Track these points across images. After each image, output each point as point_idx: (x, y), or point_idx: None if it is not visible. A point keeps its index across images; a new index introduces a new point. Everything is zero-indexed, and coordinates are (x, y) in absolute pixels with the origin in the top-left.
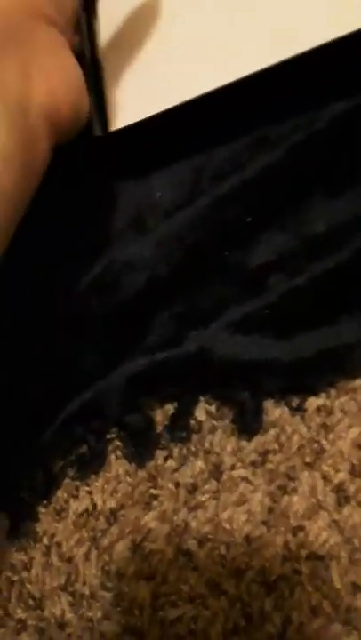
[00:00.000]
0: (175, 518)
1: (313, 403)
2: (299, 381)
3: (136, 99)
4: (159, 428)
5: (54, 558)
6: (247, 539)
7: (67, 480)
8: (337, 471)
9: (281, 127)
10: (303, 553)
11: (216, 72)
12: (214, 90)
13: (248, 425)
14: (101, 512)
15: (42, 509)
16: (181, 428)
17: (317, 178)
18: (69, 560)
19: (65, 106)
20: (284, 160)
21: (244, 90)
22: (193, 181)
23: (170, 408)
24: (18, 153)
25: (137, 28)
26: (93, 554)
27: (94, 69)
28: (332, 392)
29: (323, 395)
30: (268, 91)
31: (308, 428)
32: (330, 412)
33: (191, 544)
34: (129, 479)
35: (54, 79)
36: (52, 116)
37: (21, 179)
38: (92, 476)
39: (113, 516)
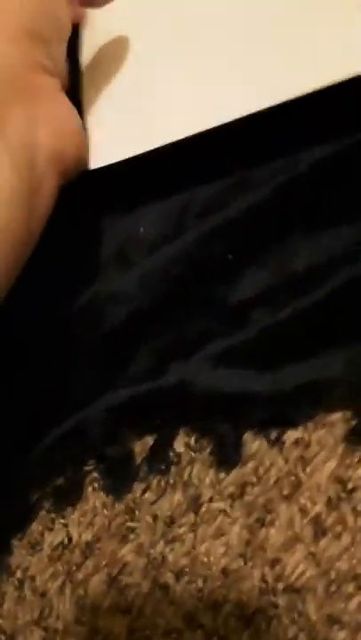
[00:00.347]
0: (152, 551)
1: (291, 436)
2: (279, 414)
3: (123, 136)
4: (138, 460)
5: (27, 592)
6: (224, 572)
7: (42, 512)
8: (314, 504)
9: (263, 169)
10: (280, 586)
11: (201, 115)
12: (198, 133)
13: (228, 457)
14: (77, 545)
15: (16, 542)
16: (160, 459)
17: (299, 218)
18: (43, 594)
19: (68, 148)
20: (267, 201)
21: (228, 133)
22: (177, 218)
23: (149, 440)
24: (25, 196)
25: (121, 69)
26: (68, 588)
27: (78, 107)
28: (310, 425)
29: (301, 428)
30: (251, 134)
31: (286, 460)
32: (307, 445)
33: (168, 577)
34: (106, 512)
35: (57, 124)
36: (57, 158)
37: (28, 221)
38: (69, 509)
39: (89, 549)
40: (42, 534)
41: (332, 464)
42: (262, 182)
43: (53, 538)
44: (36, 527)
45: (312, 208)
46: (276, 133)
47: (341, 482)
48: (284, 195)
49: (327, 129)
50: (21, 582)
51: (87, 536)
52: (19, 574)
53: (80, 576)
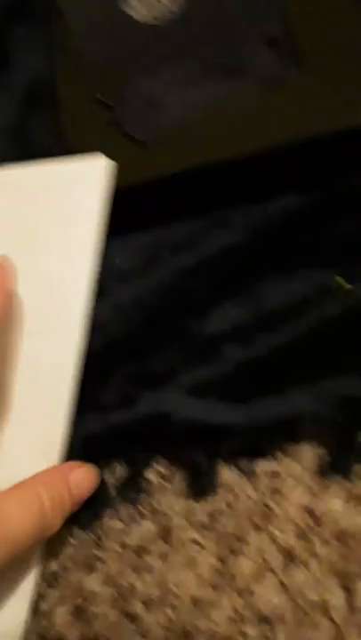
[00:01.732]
0: (120, 581)
1: (262, 466)
2: (252, 446)
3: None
4: (108, 488)
5: None
6: (195, 601)
7: None
8: (284, 533)
9: (238, 212)
10: (251, 615)
11: None
12: (175, 173)
13: (203, 487)
14: (42, 575)
15: None
16: (131, 488)
17: (272, 259)
18: None
19: None
20: (241, 241)
21: (206, 175)
22: (153, 251)
23: (119, 468)
24: None
25: None
26: (32, 619)
27: (61, 139)
28: (281, 456)
29: (272, 459)
30: (228, 179)
31: (257, 490)
32: (278, 476)
33: (137, 607)
34: (73, 540)
35: None
36: None
37: None
38: None
39: (54, 578)
40: None
41: (302, 494)
42: (237, 224)
43: None
44: None
45: (285, 251)
46: (252, 179)
47: (311, 512)
48: (257, 237)
49: (296, 180)
50: None
51: (52, 566)
52: None
53: (45, 607)
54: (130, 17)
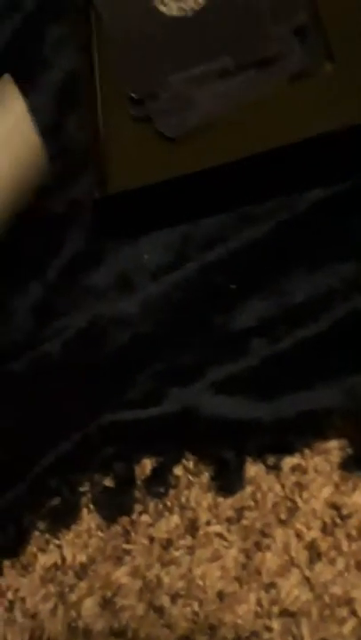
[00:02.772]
0: (148, 574)
1: (288, 462)
2: (279, 441)
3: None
4: (137, 483)
5: (18, 614)
6: (220, 595)
7: (36, 533)
8: (309, 529)
9: (264, 206)
10: (275, 609)
11: None
12: (205, 168)
13: (231, 483)
14: (70, 566)
15: (7, 563)
16: (159, 483)
17: (299, 253)
18: (34, 616)
19: None
20: (268, 236)
21: (232, 170)
22: (181, 247)
23: (147, 463)
24: None
25: None
26: (60, 610)
27: (94, 135)
28: (307, 452)
29: (298, 454)
30: (253, 173)
31: (283, 486)
32: (304, 472)
33: (163, 600)
34: (101, 533)
35: None
36: None
37: None
38: (63, 530)
39: (83, 570)
40: (35, 556)
41: (327, 490)
42: (263, 218)
43: (47, 559)
44: (29, 548)
45: (311, 244)
46: (277, 174)
47: (337, 508)
48: (284, 231)
49: (322, 174)
50: (12, 603)
51: (81, 557)
52: (9, 595)
53: (73, 598)
54: (162, 14)
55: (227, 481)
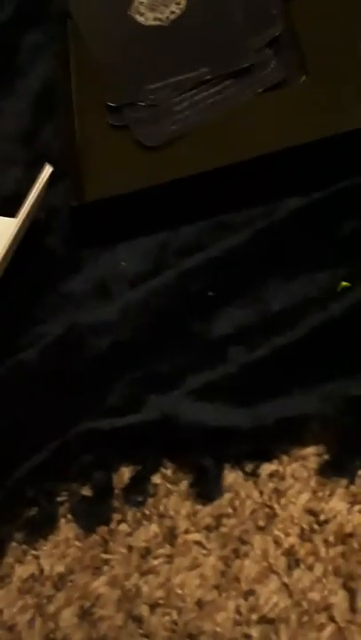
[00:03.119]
0: (126, 583)
1: (266, 469)
2: (257, 448)
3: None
4: (115, 492)
5: None
6: (199, 603)
7: (13, 544)
8: (288, 535)
9: (242, 215)
10: (254, 617)
11: None
12: (182, 177)
13: (209, 490)
14: (48, 577)
15: None
16: (138, 491)
17: (276, 262)
18: (11, 628)
19: None
20: (246, 244)
21: (207, 180)
22: (159, 255)
23: (125, 472)
24: None
25: None
26: (38, 621)
27: (71, 142)
28: (285, 458)
29: (275, 461)
30: (230, 183)
31: (261, 493)
32: (282, 478)
33: (142, 609)
34: (79, 543)
35: None
36: None
37: None
38: (41, 540)
39: (61, 581)
40: (12, 567)
41: (305, 496)
42: (241, 226)
43: (24, 570)
44: (6, 560)
45: (289, 252)
46: (254, 183)
47: (314, 514)
48: (262, 239)
49: (299, 183)
50: None
51: (59, 568)
52: None
53: (51, 609)
54: (139, 23)
55: (205, 488)
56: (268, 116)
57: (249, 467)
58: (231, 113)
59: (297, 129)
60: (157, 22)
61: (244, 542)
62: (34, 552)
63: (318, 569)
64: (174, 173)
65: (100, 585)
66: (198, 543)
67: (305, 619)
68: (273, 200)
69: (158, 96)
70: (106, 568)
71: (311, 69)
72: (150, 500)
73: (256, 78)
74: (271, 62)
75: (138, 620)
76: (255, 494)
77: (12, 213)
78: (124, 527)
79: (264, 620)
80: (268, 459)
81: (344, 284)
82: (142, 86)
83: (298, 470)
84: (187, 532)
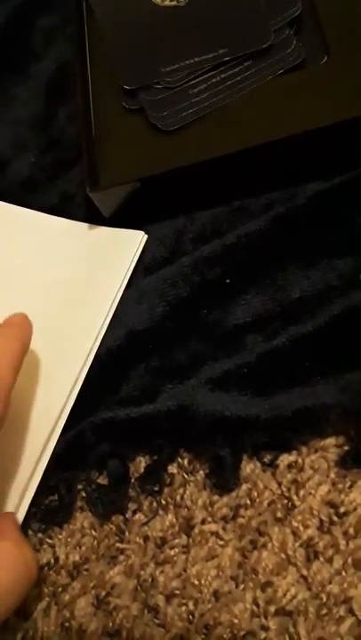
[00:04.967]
0: (142, 573)
1: (285, 459)
2: (276, 438)
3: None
4: (131, 481)
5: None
6: (216, 594)
7: (29, 533)
8: (306, 527)
9: (260, 199)
10: (272, 609)
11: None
12: (199, 161)
13: (226, 480)
14: (63, 566)
15: None
16: (154, 481)
17: (295, 248)
18: (26, 616)
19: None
20: (264, 230)
21: (227, 162)
22: (174, 241)
23: (141, 461)
24: None
25: None
26: (53, 609)
27: (87, 130)
28: (304, 449)
29: (294, 452)
30: (250, 165)
31: (280, 484)
32: (301, 469)
33: (158, 599)
34: (94, 532)
35: None
36: None
37: None
38: (56, 529)
39: (76, 570)
40: None
41: (325, 488)
42: (259, 212)
43: (39, 559)
44: None
45: (308, 238)
46: (273, 167)
47: (334, 506)
48: (281, 225)
49: (320, 167)
50: None
51: (74, 557)
52: None
53: (66, 597)
54: (155, 4)
55: (222, 479)
56: (287, 99)
57: (267, 457)
58: (250, 95)
59: (317, 111)
60: (174, 3)
61: (261, 534)
62: (49, 541)
63: (337, 561)
64: (191, 158)
65: (115, 574)
66: (215, 534)
67: (324, 611)
68: (292, 185)
69: (174, 78)
70: (121, 557)
71: (333, 50)
72: (166, 490)
73: (276, 59)
74: (291, 43)
75: (154, 610)
76: (273, 485)
77: (25, 199)
78: (139, 517)
79: (282, 612)
80: (287, 449)
81: None
82: (158, 68)
83: (317, 461)
84: (203, 522)
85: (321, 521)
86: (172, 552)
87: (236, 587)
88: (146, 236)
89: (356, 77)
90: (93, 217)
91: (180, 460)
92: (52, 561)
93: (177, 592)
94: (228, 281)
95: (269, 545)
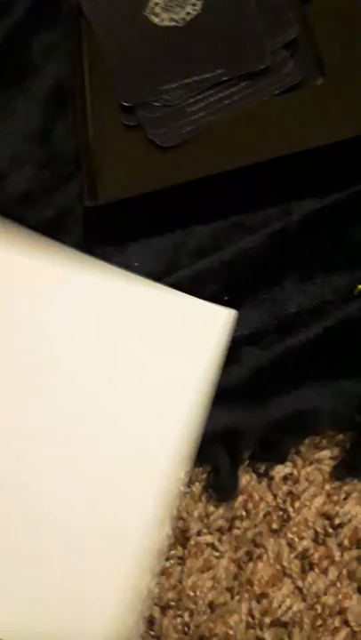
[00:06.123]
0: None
1: (280, 471)
2: (270, 448)
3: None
4: None
5: None
6: (211, 606)
7: None
8: (301, 539)
9: (257, 216)
10: (267, 620)
11: None
12: (196, 179)
13: (225, 491)
14: None
15: None
16: None
17: (292, 263)
18: None
19: None
20: (261, 245)
21: (222, 181)
22: (172, 256)
23: None
24: None
25: None
26: None
27: (84, 142)
28: (299, 461)
29: (289, 464)
30: (247, 182)
31: (275, 495)
32: (296, 481)
33: (154, 611)
34: None
35: None
36: None
37: None
38: None
39: None
40: None
41: (320, 500)
42: (256, 228)
43: None
44: None
45: (305, 254)
46: (269, 184)
47: (329, 517)
48: (278, 240)
49: (315, 185)
50: None
51: None
52: None
53: None
54: (153, 24)
55: (219, 491)
56: (284, 118)
57: (262, 469)
58: (247, 114)
59: (314, 131)
60: (173, 23)
61: (257, 545)
62: None
63: (333, 573)
64: (189, 174)
65: None
66: (211, 545)
67: (319, 622)
68: (289, 201)
69: (173, 96)
70: None
71: (328, 71)
72: None
73: (273, 80)
74: (288, 64)
75: (149, 622)
76: (269, 497)
77: (23, 213)
78: None
79: (277, 623)
80: (282, 458)
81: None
82: (156, 86)
83: (312, 473)
84: (199, 533)
85: (316, 532)
86: (167, 563)
87: (232, 598)
88: (235, 313)
89: (351, 98)
90: (91, 232)
91: None
92: None
93: (172, 603)
94: (226, 298)
95: (265, 556)
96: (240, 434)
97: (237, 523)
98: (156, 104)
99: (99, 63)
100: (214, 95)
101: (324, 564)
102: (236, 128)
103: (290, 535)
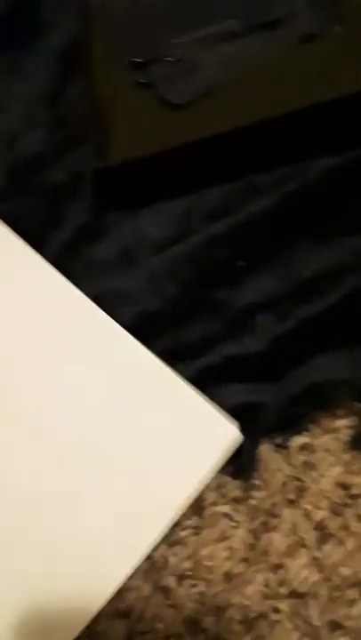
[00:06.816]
0: (154, 554)
1: (296, 441)
2: (287, 416)
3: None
4: None
5: None
6: (227, 576)
7: None
8: (318, 509)
9: (271, 176)
10: (283, 591)
11: None
12: (209, 136)
13: (244, 468)
14: None
15: None
16: None
17: (306, 226)
18: None
19: None
20: (275, 207)
21: (237, 138)
22: (184, 220)
23: None
24: None
25: None
26: None
27: (94, 102)
28: (316, 431)
29: (306, 433)
30: (260, 141)
31: (291, 465)
32: (313, 451)
33: (170, 580)
34: None
35: None
36: None
37: None
38: None
39: None
40: None
41: (337, 470)
42: (270, 189)
43: None
44: None
45: (320, 217)
46: (285, 141)
47: (346, 487)
48: (292, 202)
49: (332, 141)
50: None
51: None
52: None
53: None
54: None
55: (240, 466)
56: (300, 70)
57: (279, 439)
58: (262, 67)
59: (330, 83)
60: None
61: (273, 515)
62: None
63: (350, 543)
64: (201, 132)
65: None
66: (227, 515)
67: (335, 594)
68: (304, 160)
69: (185, 51)
70: None
71: (345, 19)
72: None
73: (289, 29)
74: (305, 12)
75: (165, 592)
76: (285, 467)
77: (33, 177)
78: None
79: (294, 594)
80: (299, 430)
81: None
82: (168, 41)
83: (329, 443)
84: (215, 503)
85: (333, 503)
86: (183, 533)
87: (248, 568)
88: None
89: None
90: (102, 196)
91: None
92: None
93: (188, 573)
94: (239, 262)
95: (281, 527)
96: (258, 410)
97: (254, 493)
98: (168, 59)
99: (108, 19)
100: (228, 48)
101: (342, 534)
102: (251, 82)
103: (306, 506)
